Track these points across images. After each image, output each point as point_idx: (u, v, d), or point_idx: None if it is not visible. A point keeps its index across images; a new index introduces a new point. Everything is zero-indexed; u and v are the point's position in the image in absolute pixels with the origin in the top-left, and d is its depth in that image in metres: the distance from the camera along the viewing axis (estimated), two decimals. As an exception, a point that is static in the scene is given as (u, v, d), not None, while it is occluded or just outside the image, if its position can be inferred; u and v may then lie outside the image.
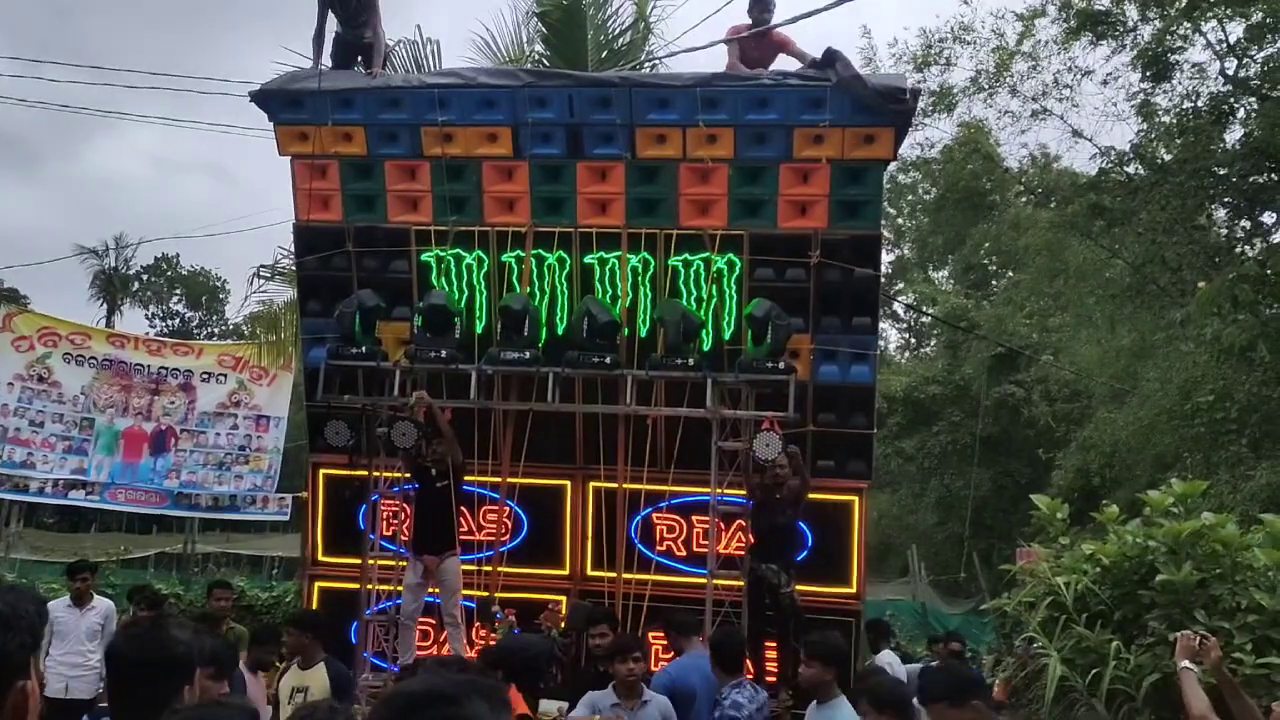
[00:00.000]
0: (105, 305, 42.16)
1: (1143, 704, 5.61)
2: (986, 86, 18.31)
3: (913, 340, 37.60)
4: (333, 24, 8.63)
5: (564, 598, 8.61)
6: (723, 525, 8.19)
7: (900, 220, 33.24)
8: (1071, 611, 6.18)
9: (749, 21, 8.36)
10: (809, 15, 8.35)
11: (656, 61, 11.41)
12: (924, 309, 29.84)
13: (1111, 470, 18.65)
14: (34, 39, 62.40)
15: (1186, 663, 4.30)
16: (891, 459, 25.74)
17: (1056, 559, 6.80)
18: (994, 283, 31.78)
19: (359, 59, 8.65)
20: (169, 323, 46.06)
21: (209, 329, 45.81)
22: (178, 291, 48.31)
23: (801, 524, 8.01)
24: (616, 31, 11.90)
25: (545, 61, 11.40)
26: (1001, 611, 7.46)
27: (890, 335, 34.84)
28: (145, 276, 46.74)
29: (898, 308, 32.46)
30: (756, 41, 8.26)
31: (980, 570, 21.70)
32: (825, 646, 5.48)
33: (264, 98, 8.41)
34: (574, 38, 11.49)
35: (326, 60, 8.57)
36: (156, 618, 2.51)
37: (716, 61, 8.88)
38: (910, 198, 32.14)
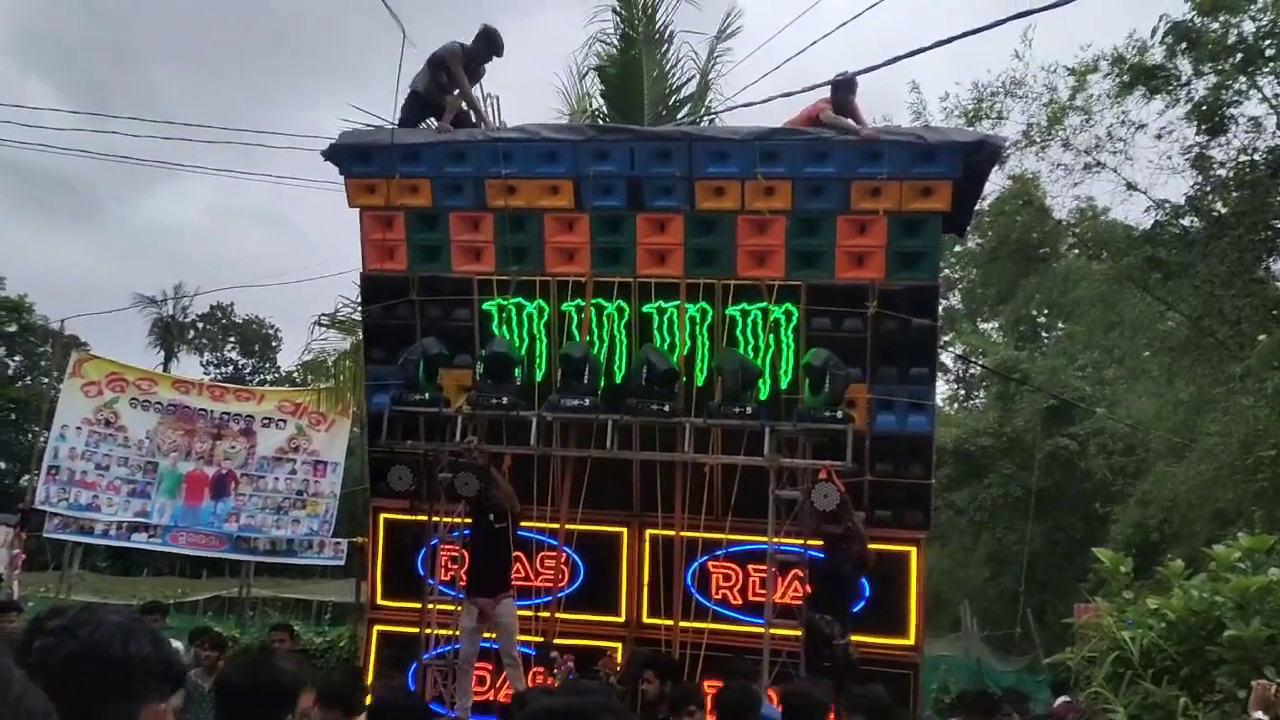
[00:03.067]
0: (162, 353, 43.18)
1: (1212, 761, 5.51)
2: (1038, 140, 18.34)
3: (962, 392, 37.30)
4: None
5: (619, 645, 8.64)
6: (779, 574, 8.20)
7: (948, 272, 33.13)
8: (1137, 666, 6.10)
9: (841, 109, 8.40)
10: (865, 71, 8.52)
11: (714, 117, 11.61)
12: (975, 360, 29.64)
13: (1170, 525, 18.33)
14: (96, 87, 64.48)
15: (1260, 714, 4.23)
16: (942, 512, 25.46)
17: (1120, 613, 6.72)
18: (1044, 335, 31.53)
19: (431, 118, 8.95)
20: (223, 370, 46.98)
21: (261, 376, 46.61)
22: (232, 339, 49.33)
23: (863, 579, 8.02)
24: (674, 86, 12.15)
25: (604, 116, 11.66)
26: (1065, 666, 7.36)
27: (939, 387, 34.58)
28: (201, 325, 47.82)
29: (947, 359, 32.27)
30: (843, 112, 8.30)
31: (1034, 627, 21.32)
32: (869, 699, 5.45)
33: (334, 152, 8.70)
34: (631, 92, 11.75)
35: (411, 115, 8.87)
36: (263, 648, 2.62)
37: (769, 116, 9.06)
38: (958, 249, 32.09)
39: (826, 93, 8.35)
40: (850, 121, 8.16)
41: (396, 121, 8.91)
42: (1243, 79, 15.82)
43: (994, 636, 23.52)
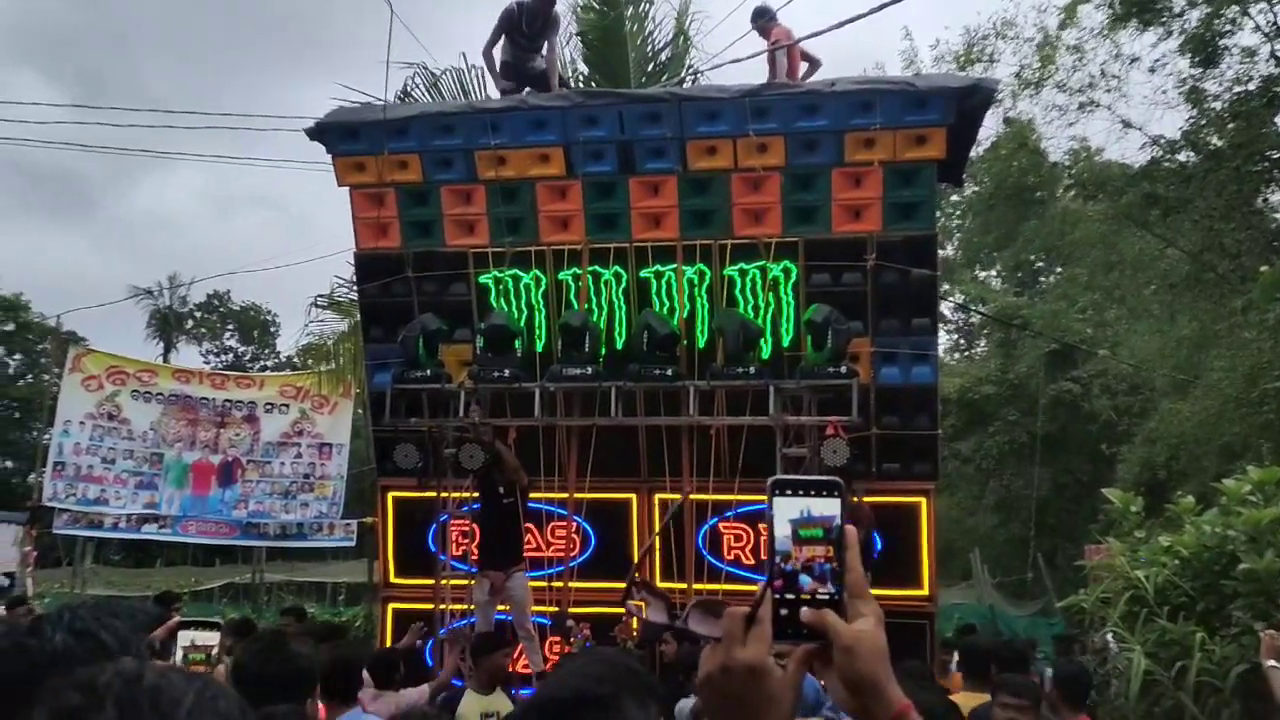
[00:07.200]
0: (161, 344, 43.03)
1: (1230, 695, 5.52)
2: (1031, 82, 18.16)
3: (963, 341, 37.23)
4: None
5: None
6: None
7: (944, 221, 32.88)
8: (1153, 604, 6.10)
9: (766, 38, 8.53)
10: (851, 20, 8.39)
11: (698, 74, 11.49)
12: (975, 308, 29.56)
13: (1177, 463, 18.33)
14: (89, 76, 63.86)
15: (1272, 662, 4.28)
16: (949, 461, 25.44)
17: (1133, 552, 6.71)
18: (1043, 280, 31.39)
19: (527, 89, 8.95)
20: (223, 358, 46.83)
21: (261, 362, 46.49)
22: (230, 327, 49.15)
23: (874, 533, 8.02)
24: (657, 48, 12.01)
25: (590, 82, 11.53)
26: (1079, 608, 7.37)
27: (940, 337, 34.44)
28: (198, 314, 47.62)
29: (946, 309, 32.14)
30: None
31: (1045, 571, 21.40)
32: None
33: (321, 131, 8.61)
34: (614, 56, 11.62)
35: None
36: (278, 633, 2.59)
37: (756, 72, 9.00)
38: (955, 198, 31.85)
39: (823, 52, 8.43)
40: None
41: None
42: (1235, 7, 15.63)
43: (1006, 583, 23.59)
